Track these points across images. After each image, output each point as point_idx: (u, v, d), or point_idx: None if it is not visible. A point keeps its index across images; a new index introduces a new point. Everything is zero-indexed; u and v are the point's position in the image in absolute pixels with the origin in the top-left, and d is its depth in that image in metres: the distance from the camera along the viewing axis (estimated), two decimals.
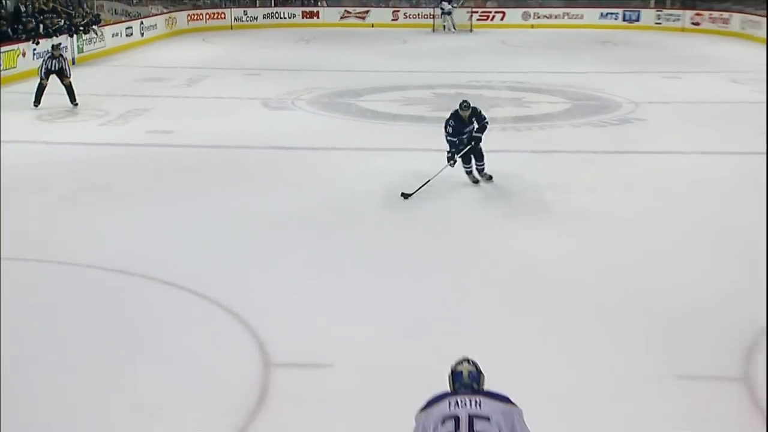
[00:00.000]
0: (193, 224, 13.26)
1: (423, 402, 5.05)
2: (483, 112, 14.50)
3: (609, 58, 34.94)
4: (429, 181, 13.30)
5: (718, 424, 7.39)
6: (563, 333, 9.23)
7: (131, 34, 37.77)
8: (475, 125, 14.42)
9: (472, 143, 14.46)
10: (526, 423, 4.84)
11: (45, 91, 20.39)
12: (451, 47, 39.20)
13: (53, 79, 20.70)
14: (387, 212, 14.10)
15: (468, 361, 5.39)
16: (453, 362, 5.39)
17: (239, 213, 13.91)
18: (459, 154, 14.34)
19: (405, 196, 13.73)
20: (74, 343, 9.11)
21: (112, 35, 35.26)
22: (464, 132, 14.29)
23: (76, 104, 20.66)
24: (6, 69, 25.39)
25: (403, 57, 35.30)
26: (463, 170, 15.19)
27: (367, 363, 8.43)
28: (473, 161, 14.98)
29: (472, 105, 14.15)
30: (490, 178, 15.10)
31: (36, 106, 20.24)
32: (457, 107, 14.43)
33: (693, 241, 12.59)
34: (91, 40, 32.31)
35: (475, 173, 15.19)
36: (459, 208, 14.36)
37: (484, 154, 14.87)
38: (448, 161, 14.24)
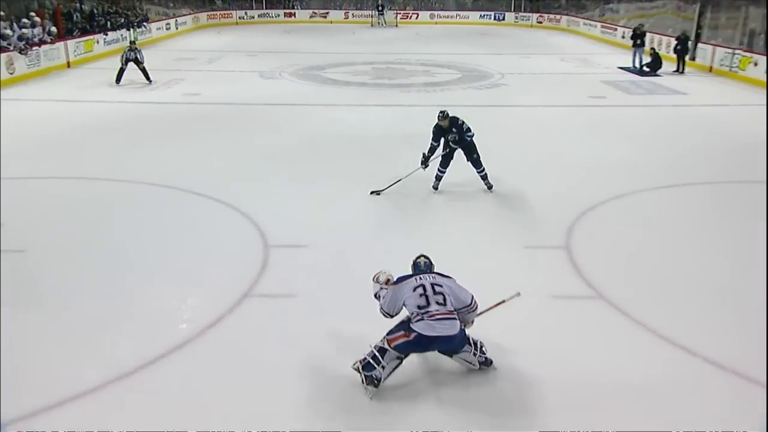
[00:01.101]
0: (215, 154, 13.55)
1: (394, 279, 5.80)
2: (466, 124, 10.66)
3: (485, 45, 35.66)
4: (400, 180, 10.70)
5: (550, 274, 8.12)
6: (455, 227, 9.90)
7: (169, 28, 38.37)
8: (462, 136, 10.68)
9: (448, 150, 10.84)
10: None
11: (123, 76, 20.44)
12: (384, 37, 39.73)
13: (130, 64, 20.67)
14: (345, 145, 14.55)
15: (424, 256, 6.09)
16: (413, 258, 6.07)
17: (245, 146, 14.27)
18: (431, 159, 10.83)
19: (375, 192, 10.98)
20: (139, 230, 9.57)
21: (156, 29, 35.42)
22: (446, 138, 10.71)
23: (151, 81, 20.69)
24: (86, 52, 25.82)
25: (352, 44, 35.63)
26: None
27: (331, 245, 9.02)
28: (474, 169, 11.13)
29: (450, 115, 10.53)
30: (490, 187, 11.20)
31: (117, 83, 20.20)
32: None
33: (536, 162, 13.22)
34: (142, 32, 32.42)
35: (482, 181, 11.19)
36: (396, 144, 14.83)
37: (481, 162, 10.99)
38: (421, 163, 10.87)
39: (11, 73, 20.47)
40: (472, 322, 5.84)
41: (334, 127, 16.35)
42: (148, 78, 20.66)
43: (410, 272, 5.84)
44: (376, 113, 18.19)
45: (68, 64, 24.59)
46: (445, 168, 11.01)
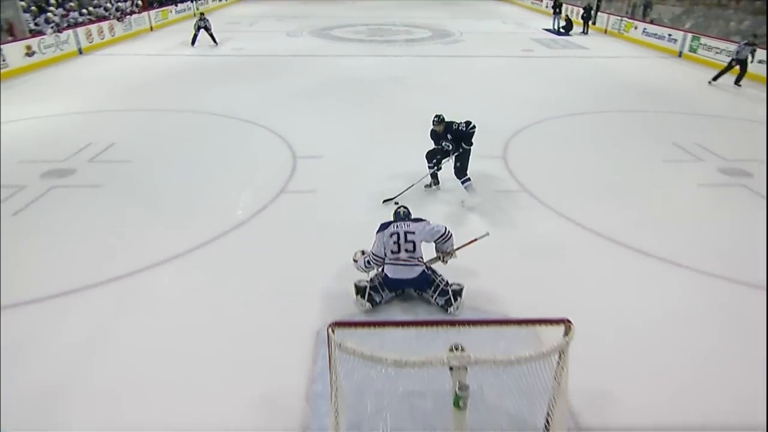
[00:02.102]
0: (256, 92, 13.37)
1: (378, 226, 5.24)
2: (463, 128, 7.29)
3: (449, 11, 34.43)
4: (412, 185, 7.61)
5: (493, 176, 8.29)
6: (427, 143, 9.60)
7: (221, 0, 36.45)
8: (459, 142, 7.42)
9: (444, 155, 7.57)
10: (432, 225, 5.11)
11: (197, 39, 19.69)
12: (375, 5, 38.18)
13: (201, 31, 19.98)
14: (348, 85, 14.32)
15: (403, 206, 5.45)
16: (394, 209, 5.45)
17: (277, 86, 14.06)
18: (444, 161, 7.61)
19: (388, 201, 7.44)
20: (206, 145, 9.62)
21: (211, 1, 33.81)
22: (441, 143, 7.58)
23: (217, 43, 19.87)
24: (163, 19, 25.32)
25: (352, 10, 34.47)
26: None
27: (339, 156, 9.11)
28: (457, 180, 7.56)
29: (446, 120, 7.44)
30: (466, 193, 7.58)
31: (193, 45, 19.50)
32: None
33: (484, 96, 13.11)
34: (202, 4, 31.07)
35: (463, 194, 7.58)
36: (385, 83, 14.62)
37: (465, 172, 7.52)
38: (429, 169, 7.76)
39: (113, 35, 20.18)
40: (454, 255, 5.32)
41: (340, 72, 16.08)
42: (214, 40, 19.86)
43: (392, 219, 5.34)
44: (370, 61, 17.87)
45: (151, 28, 23.92)
46: (440, 166, 7.82)
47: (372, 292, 5.06)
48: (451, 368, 2.86)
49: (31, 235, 6.51)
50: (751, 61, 13.96)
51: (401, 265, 5.01)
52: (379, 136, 10.20)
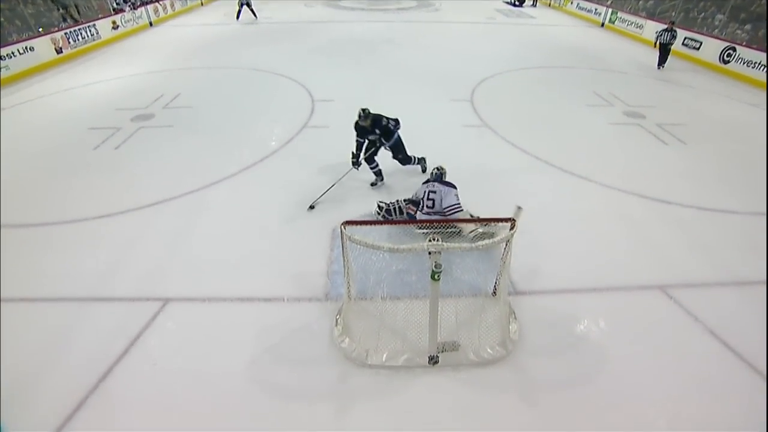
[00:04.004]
0: (282, 51, 12.53)
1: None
2: (391, 122, 5.53)
3: None
4: (333, 185, 5.57)
5: (462, 114, 7.93)
6: (413, 89, 9.41)
7: None
8: (388, 136, 5.59)
9: (373, 148, 5.60)
10: (457, 196, 4.53)
11: (240, 14, 17.50)
12: None
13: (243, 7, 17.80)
14: (353, 44, 13.34)
15: (438, 168, 4.85)
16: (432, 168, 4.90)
17: (298, 46, 13.13)
18: (362, 157, 5.61)
19: (311, 207, 5.34)
20: (247, 93, 9.11)
21: None
22: (368, 137, 5.55)
23: (256, 18, 17.74)
24: None
25: None
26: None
27: (347, 99, 8.61)
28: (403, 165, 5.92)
29: (372, 114, 5.41)
30: (424, 169, 6.09)
31: (237, 19, 17.45)
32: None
33: (456, 52, 12.25)
34: None
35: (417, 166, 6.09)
36: (381, 43, 13.55)
37: (409, 158, 5.86)
38: (353, 164, 5.64)
39: (173, 10, 18.60)
40: (488, 234, 4.34)
41: (346, 34, 15.00)
42: (254, 15, 17.79)
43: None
44: (370, 26, 16.55)
45: (201, 3, 21.78)
46: (373, 162, 5.74)
47: (386, 215, 4.88)
48: (429, 253, 2.87)
49: (128, 164, 6.40)
50: (671, 43, 11.03)
51: (425, 214, 4.67)
52: (377, 84, 9.73)
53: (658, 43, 10.99)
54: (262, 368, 3.34)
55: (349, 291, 3.47)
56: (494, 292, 3.81)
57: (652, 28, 13.92)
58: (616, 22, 16.92)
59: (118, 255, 4.49)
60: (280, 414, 3.05)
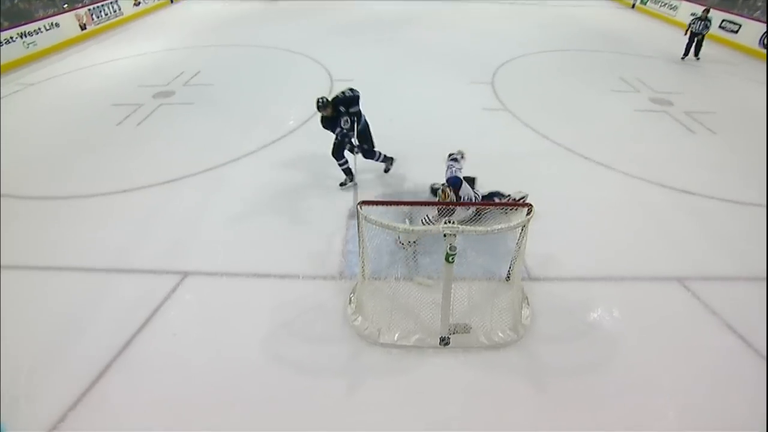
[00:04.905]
0: (303, 31, 12.37)
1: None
2: (349, 93, 4.75)
3: None
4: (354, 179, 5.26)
5: (482, 97, 7.70)
6: (432, 70, 9.21)
7: None
8: (357, 118, 4.88)
9: (345, 138, 4.88)
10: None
11: None
12: None
13: None
14: (372, 23, 13.06)
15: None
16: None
17: (317, 26, 12.91)
18: (352, 138, 4.92)
19: (342, 184, 5.21)
20: (265, 70, 9.06)
21: None
22: (340, 124, 4.82)
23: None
24: None
25: None
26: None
27: (365, 77, 8.39)
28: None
29: (331, 100, 4.73)
30: (387, 170, 5.50)
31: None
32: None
33: (478, 34, 11.81)
34: None
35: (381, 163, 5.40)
36: (403, 22, 13.20)
37: (374, 151, 5.21)
38: (351, 151, 5.04)
39: None
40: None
41: (367, 13, 14.68)
42: None
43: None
44: (392, 5, 15.94)
45: None
46: (342, 158, 5.11)
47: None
48: (444, 235, 2.86)
49: (149, 140, 6.50)
50: (703, 34, 9.95)
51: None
52: (397, 64, 9.56)
53: (689, 31, 9.97)
54: (276, 343, 3.42)
55: (363, 270, 3.50)
56: (508, 277, 3.80)
57: (687, 10, 13.23)
58: (648, 3, 16.16)
59: (140, 228, 4.61)
60: (292, 387, 3.13)
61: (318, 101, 4.56)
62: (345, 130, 4.76)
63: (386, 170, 5.42)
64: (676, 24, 13.61)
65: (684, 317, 3.67)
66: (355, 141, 4.90)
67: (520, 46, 10.93)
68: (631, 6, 17.07)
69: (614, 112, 7.50)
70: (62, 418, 2.98)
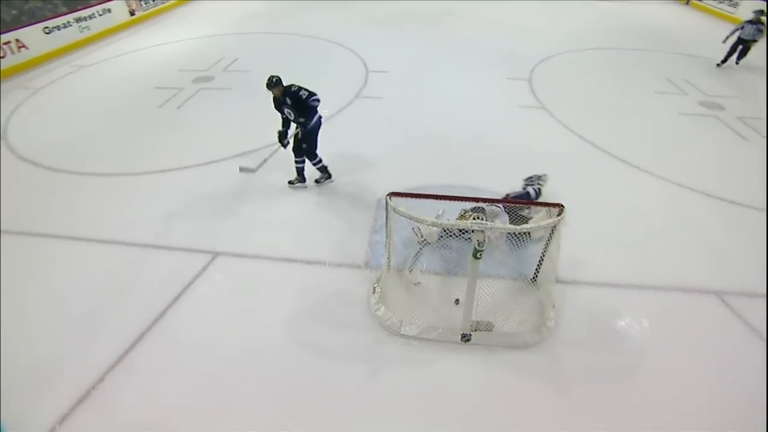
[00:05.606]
0: (338, 19, 12.37)
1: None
2: (305, 92, 4.50)
3: None
4: (266, 160, 4.97)
5: (519, 94, 7.57)
6: (470, 64, 9.04)
7: None
8: (303, 110, 4.60)
9: (295, 133, 4.79)
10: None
11: None
12: None
13: None
14: (408, 16, 12.81)
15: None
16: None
17: (355, 16, 12.86)
18: (290, 135, 4.78)
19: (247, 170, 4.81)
20: (303, 58, 9.11)
21: None
22: (283, 112, 4.73)
23: None
24: None
25: None
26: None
27: (400, 71, 8.50)
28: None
29: (278, 82, 4.54)
30: (317, 180, 5.20)
31: None
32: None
33: (519, 29, 11.39)
34: None
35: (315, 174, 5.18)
36: (440, 15, 12.89)
37: (314, 154, 4.96)
38: (279, 142, 4.76)
39: None
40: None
41: (407, 5, 14.31)
42: None
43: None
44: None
45: None
46: (300, 156, 4.94)
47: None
48: (473, 231, 2.83)
49: (188, 123, 6.73)
50: (754, 41, 8.86)
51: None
52: (434, 57, 9.43)
53: (737, 36, 8.78)
54: (299, 326, 3.50)
55: (389, 261, 3.52)
56: (534, 278, 3.73)
57: (749, 8, 12.29)
58: (704, 0, 15.19)
59: (175, 207, 4.80)
60: (312, 371, 3.20)
61: (270, 78, 4.48)
62: (290, 120, 4.67)
63: (316, 181, 5.16)
64: (735, 22, 12.69)
65: (721, 334, 3.50)
66: (291, 132, 4.72)
67: (561, 43, 10.59)
68: (685, 2, 16.10)
69: (657, 114, 7.18)
70: (101, 379, 3.18)
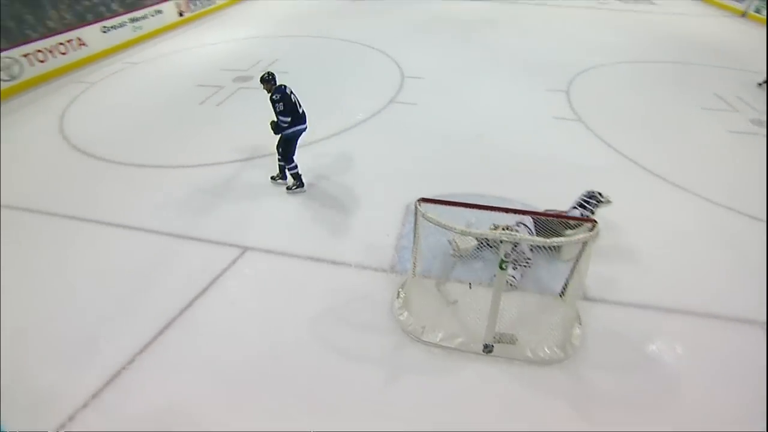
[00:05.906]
0: (376, 25, 12.51)
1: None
2: (276, 113, 4.69)
3: None
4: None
5: (556, 105, 7.44)
6: (508, 74, 8.97)
7: None
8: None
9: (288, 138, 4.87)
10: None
11: None
12: None
13: None
14: (443, 22, 12.75)
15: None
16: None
17: (392, 22, 12.93)
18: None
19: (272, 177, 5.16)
20: (340, 62, 9.27)
21: None
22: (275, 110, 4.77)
23: None
24: None
25: None
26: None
27: (436, 77, 8.52)
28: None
29: (270, 78, 4.75)
30: (289, 187, 5.13)
31: None
32: None
33: (562, 40, 11.17)
34: None
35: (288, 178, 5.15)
36: (474, 21, 12.83)
37: (288, 157, 4.97)
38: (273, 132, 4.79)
39: None
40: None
41: (447, 12, 14.42)
42: None
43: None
44: (472, 5, 15.60)
45: None
46: (292, 161, 4.97)
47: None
48: (501, 242, 2.80)
49: (226, 120, 6.97)
50: None
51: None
52: (471, 65, 9.38)
53: None
54: (323, 325, 3.55)
55: (414, 267, 3.52)
56: (562, 293, 3.64)
57: None
58: (763, 12, 14.29)
59: (209, 201, 4.97)
60: (333, 370, 3.24)
61: (265, 74, 4.63)
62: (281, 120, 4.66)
63: (288, 188, 5.13)
64: None
65: (763, 369, 3.29)
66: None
67: (603, 54, 10.33)
68: (741, 14, 15.29)
69: (703, 131, 6.88)
70: (131, 360, 3.32)
